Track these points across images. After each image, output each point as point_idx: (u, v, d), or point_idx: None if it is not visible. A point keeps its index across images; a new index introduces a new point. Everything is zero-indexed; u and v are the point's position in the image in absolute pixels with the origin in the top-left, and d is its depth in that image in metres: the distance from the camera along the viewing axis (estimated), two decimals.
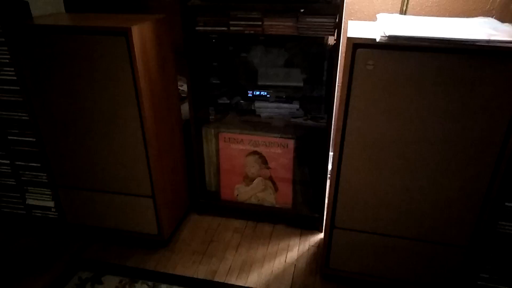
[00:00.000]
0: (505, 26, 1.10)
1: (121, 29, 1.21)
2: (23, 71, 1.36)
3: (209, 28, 1.45)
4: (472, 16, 1.31)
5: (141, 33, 1.26)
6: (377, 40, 1.01)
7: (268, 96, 1.62)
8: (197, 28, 1.46)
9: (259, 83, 1.63)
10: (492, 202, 1.14)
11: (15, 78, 1.39)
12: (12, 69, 1.38)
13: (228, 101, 1.68)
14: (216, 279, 1.47)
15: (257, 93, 1.62)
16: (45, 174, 1.56)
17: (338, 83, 1.47)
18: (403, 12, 1.55)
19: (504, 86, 0.99)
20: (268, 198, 1.74)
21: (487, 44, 0.94)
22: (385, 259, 1.33)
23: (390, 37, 0.99)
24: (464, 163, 1.11)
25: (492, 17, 1.29)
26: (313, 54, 1.58)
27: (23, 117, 1.46)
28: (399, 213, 1.24)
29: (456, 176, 1.14)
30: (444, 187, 1.16)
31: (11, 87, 1.42)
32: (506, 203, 1.14)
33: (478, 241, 1.21)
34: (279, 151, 1.64)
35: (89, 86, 1.33)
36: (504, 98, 1.01)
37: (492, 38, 0.95)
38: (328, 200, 1.30)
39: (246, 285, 1.44)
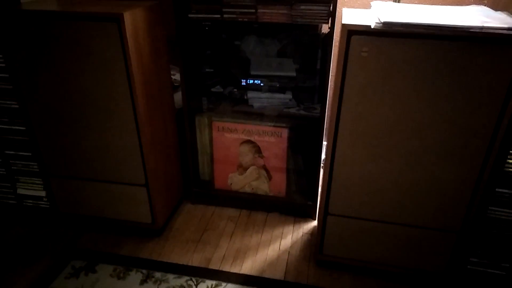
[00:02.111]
0: (498, 14, 1.11)
1: (113, 15, 1.19)
2: (12, 58, 1.33)
3: (202, 16, 1.43)
4: (465, 5, 1.32)
5: (133, 20, 1.24)
6: (372, 27, 1.01)
7: (261, 84, 1.61)
8: (190, 15, 1.44)
9: (252, 72, 1.62)
10: (483, 188, 1.16)
11: (4, 65, 1.36)
12: (1, 56, 1.35)
13: (222, 90, 1.67)
14: (211, 266, 1.47)
15: (251, 81, 1.61)
16: (36, 164, 1.54)
17: (331, 73, 1.47)
18: (397, 0, 1.55)
19: (497, 73, 1.00)
20: (262, 186, 1.74)
21: (480, 31, 0.95)
22: (378, 245, 1.35)
23: (385, 23, 0.99)
24: (456, 150, 1.13)
25: (484, 5, 1.29)
26: (307, 44, 1.57)
27: (13, 106, 1.43)
28: (392, 199, 1.25)
29: (448, 162, 1.15)
30: (437, 173, 1.18)
31: (0, 75, 1.39)
32: (497, 189, 1.16)
33: (469, 226, 1.23)
34: (273, 140, 1.64)
35: (80, 74, 1.31)
36: (496, 84, 1.02)
37: (486, 25, 0.96)
38: (322, 188, 1.31)
39: (240, 272, 1.45)
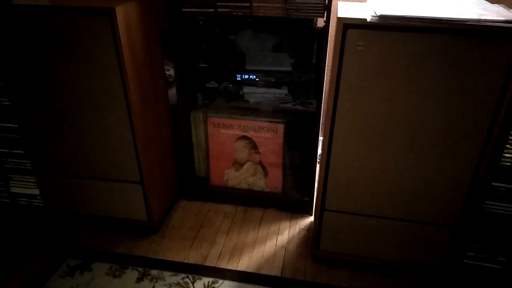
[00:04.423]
0: (495, 7, 1.10)
1: (105, 9, 1.17)
2: (3, 54, 1.31)
3: (196, 10, 1.41)
4: None
5: (126, 14, 1.22)
6: (368, 20, 1.00)
7: (257, 79, 1.60)
8: (183, 9, 1.42)
9: (247, 67, 1.60)
10: (480, 182, 1.16)
11: None
12: None
13: (217, 86, 1.65)
14: (207, 263, 1.47)
15: (246, 76, 1.60)
16: (29, 161, 1.52)
17: (327, 67, 1.46)
18: None
19: (494, 66, 1.00)
20: (258, 182, 1.73)
21: (477, 24, 0.94)
22: (375, 240, 1.35)
23: (381, 16, 0.98)
24: (453, 144, 1.12)
25: None
26: (302, 38, 1.56)
27: (4, 102, 1.41)
28: (388, 194, 1.25)
29: (445, 157, 1.15)
30: (433, 168, 1.17)
31: None
32: (493, 183, 1.16)
33: (465, 221, 1.23)
34: (269, 136, 1.63)
35: (72, 70, 1.29)
36: (493, 78, 1.01)
37: (483, 17, 0.95)
38: (319, 183, 1.31)
39: (237, 269, 1.44)
